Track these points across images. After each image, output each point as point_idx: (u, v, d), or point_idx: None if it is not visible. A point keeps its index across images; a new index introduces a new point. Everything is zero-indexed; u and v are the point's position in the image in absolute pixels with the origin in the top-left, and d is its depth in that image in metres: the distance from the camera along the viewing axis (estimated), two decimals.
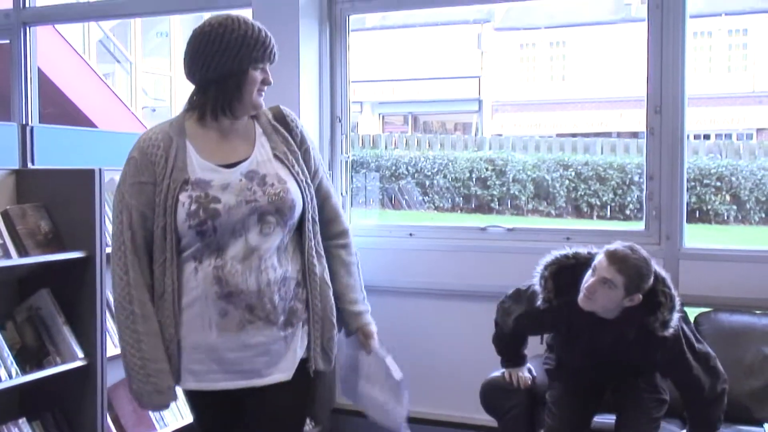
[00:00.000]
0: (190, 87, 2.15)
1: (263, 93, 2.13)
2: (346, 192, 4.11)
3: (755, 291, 3.30)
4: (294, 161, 2.15)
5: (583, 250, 2.84)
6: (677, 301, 2.70)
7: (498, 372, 3.12)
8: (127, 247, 2.06)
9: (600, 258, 2.67)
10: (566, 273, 2.79)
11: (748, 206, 8.47)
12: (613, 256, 2.64)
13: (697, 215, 8.19)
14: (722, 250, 3.49)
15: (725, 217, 8.43)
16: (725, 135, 11.59)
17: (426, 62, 12.79)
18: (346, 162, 4.11)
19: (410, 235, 3.98)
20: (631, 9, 11.56)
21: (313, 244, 2.16)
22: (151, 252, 2.08)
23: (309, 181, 2.17)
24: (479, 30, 12.87)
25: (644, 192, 3.56)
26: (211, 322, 2.06)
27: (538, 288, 2.82)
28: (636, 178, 8.27)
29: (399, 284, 3.85)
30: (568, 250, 2.85)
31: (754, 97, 12.05)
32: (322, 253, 2.21)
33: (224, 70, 2.05)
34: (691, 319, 3.07)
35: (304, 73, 3.92)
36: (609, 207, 8.60)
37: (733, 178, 8.42)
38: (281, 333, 2.09)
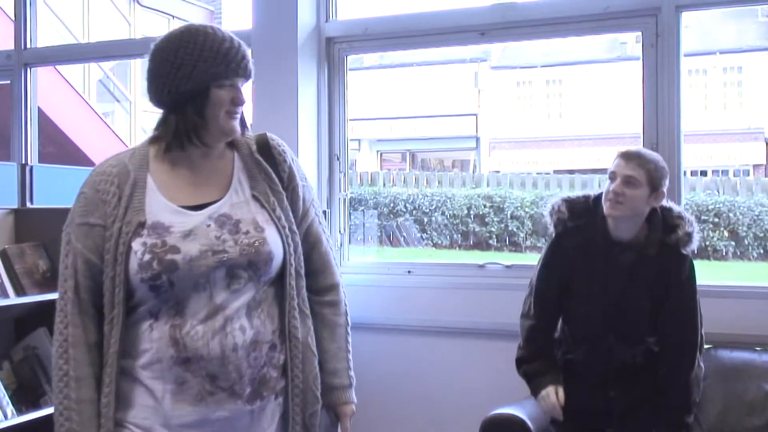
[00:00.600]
0: None
1: (235, 115, 1.78)
2: (344, 230, 4.11)
3: (755, 327, 3.28)
4: (276, 203, 1.82)
5: (590, 192, 2.87)
6: (695, 223, 2.77)
7: (515, 405, 2.97)
8: (69, 298, 1.77)
9: (616, 162, 2.71)
10: (578, 209, 2.80)
11: (746, 242, 8.47)
12: (628, 155, 2.70)
13: (696, 251, 8.19)
14: (721, 287, 3.49)
15: (723, 253, 8.42)
16: (722, 171, 11.63)
17: (424, 100, 12.88)
18: (344, 200, 4.13)
19: (408, 272, 3.98)
20: (627, 48, 11.67)
21: (295, 302, 1.83)
22: (100, 305, 1.77)
23: (294, 227, 1.84)
24: (476, 69, 12.98)
25: None
26: (165, 390, 1.72)
27: (549, 218, 2.80)
28: None
29: (397, 321, 3.83)
30: (575, 192, 2.90)
31: (749, 134, 12.12)
32: (308, 312, 1.88)
33: (180, 91, 1.72)
34: None
35: (302, 111, 3.95)
36: None
37: (731, 214, 8.42)
38: (247, 407, 1.75)
